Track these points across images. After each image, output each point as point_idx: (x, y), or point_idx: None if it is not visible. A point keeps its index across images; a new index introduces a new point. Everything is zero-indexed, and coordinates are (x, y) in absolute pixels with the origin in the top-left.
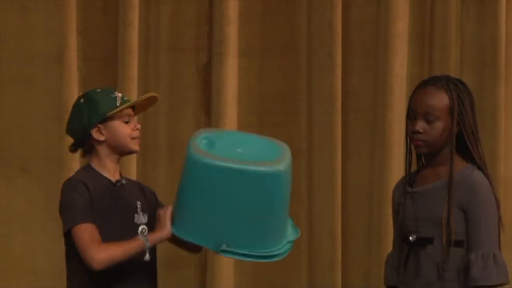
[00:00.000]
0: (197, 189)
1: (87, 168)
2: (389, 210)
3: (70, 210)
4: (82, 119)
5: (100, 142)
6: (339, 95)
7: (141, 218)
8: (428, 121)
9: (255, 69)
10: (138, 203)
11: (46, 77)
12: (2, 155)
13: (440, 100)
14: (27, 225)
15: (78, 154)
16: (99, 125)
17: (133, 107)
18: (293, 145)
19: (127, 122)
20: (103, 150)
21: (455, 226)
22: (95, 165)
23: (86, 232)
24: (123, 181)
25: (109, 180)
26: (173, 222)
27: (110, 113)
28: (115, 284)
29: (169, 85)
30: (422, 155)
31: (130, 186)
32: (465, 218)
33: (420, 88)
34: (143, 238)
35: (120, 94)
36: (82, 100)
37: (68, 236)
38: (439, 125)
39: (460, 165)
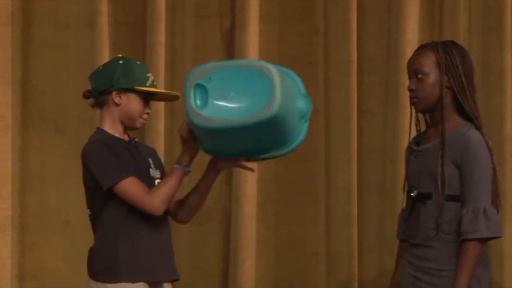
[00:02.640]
0: (207, 137)
1: (99, 132)
2: (401, 167)
3: (108, 168)
4: (112, 75)
5: (114, 104)
6: (354, 58)
7: (155, 173)
8: (418, 78)
9: (275, 34)
10: (150, 159)
11: (79, 42)
12: (37, 116)
13: (426, 57)
14: (61, 182)
15: None
16: (122, 91)
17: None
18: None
19: (143, 102)
20: (115, 114)
21: (448, 180)
22: (106, 128)
23: (134, 185)
24: (136, 139)
25: (122, 140)
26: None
27: (138, 87)
28: (139, 235)
29: (195, 49)
30: (428, 115)
31: (140, 145)
32: (460, 174)
33: (414, 52)
34: (178, 165)
35: (152, 77)
36: (120, 62)
37: (107, 192)
38: (428, 80)
39: (458, 123)
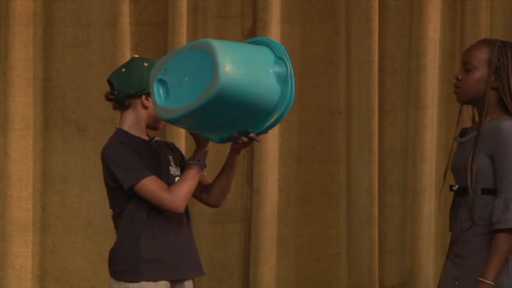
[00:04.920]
0: (191, 126)
1: (118, 133)
2: (422, 167)
3: (128, 167)
4: (142, 79)
5: (143, 107)
6: (376, 58)
7: (176, 170)
8: (466, 70)
9: (296, 34)
10: (170, 157)
11: (101, 42)
12: (59, 117)
13: (480, 52)
14: (83, 182)
15: None
16: (149, 96)
17: None
18: (332, 106)
19: None
20: (141, 116)
21: (483, 173)
22: (127, 128)
23: (154, 184)
24: (156, 138)
25: (143, 139)
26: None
27: None
28: (160, 233)
29: None
30: (474, 108)
31: (161, 143)
32: (493, 166)
33: (473, 43)
34: (195, 162)
35: None
36: (145, 64)
37: (129, 192)
38: (474, 74)
39: (498, 117)
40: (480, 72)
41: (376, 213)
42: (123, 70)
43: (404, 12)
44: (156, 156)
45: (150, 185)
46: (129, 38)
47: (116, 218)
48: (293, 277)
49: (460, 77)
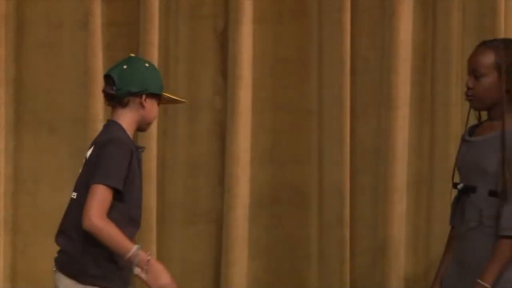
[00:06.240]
0: None
1: (120, 130)
2: (393, 167)
3: (111, 169)
4: (145, 79)
5: (141, 107)
6: (348, 59)
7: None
8: (476, 77)
9: (268, 34)
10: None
11: (72, 43)
12: (30, 116)
13: (486, 57)
14: (54, 182)
15: (102, 115)
16: (149, 95)
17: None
18: (304, 106)
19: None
20: (136, 116)
21: (494, 176)
22: (125, 127)
23: (107, 196)
24: (143, 149)
25: (135, 145)
26: None
27: (164, 93)
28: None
29: (189, 50)
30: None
31: (141, 155)
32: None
33: (476, 48)
34: (136, 251)
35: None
36: (147, 65)
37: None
38: (485, 81)
39: None
40: (491, 78)
41: (348, 213)
42: (125, 67)
43: (376, 12)
44: (140, 167)
45: (104, 194)
46: (101, 38)
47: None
48: (264, 278)
49: (471, 86)
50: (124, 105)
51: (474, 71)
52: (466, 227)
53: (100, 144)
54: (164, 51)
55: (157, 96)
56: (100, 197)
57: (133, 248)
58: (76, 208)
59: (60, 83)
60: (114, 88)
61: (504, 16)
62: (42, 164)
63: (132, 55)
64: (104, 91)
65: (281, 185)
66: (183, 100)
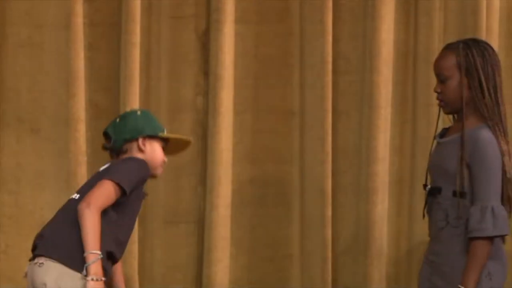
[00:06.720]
0: None
1: None
2: (375, 167)
3: (124, 172)
4: (136, 124)
5: (139, 151)
6: (329, 59)
7: None
8: (442, 81)
9: (250, 35)
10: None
11: (55, 42)
12: (12, 117)
13: (447, 60)
14: (36, 182)
15: (83, 116)
16: (146, 139)
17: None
18: (286, 106)
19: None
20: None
21: (462, 179)
22: None
23: (112, 193)
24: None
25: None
26: None
27: (161, 134)
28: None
29: (171, 50)
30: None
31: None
32: (469, 173)
33: (439, 52)
34: (98, 256)
35: (165, 129)
36: (138, 113)
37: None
38: (451, 84)
39: (476, 123)
40: (455, 79)
41: (330, 213)
42: (118, 120)
43: (358, 13)
44: (139, 206)
45: (111, 191)
46: (83, 38)
47: None
48: (246, 277)
49: (439, 90)
50: (123, 153)
51: (439, 76)
52: (435, 227)
53: (119, 160)
54: (145, 52)
55: (156, 139)
56: (105, 190)
57: (98, 252)
58: (75, 207)
59: (42, 83)
60: (111, 141)
61: (486, 16)
62: (24, 164)
63: (127, 110)
64: (103, 147)
65: (263, 185)
66: (188, 138)
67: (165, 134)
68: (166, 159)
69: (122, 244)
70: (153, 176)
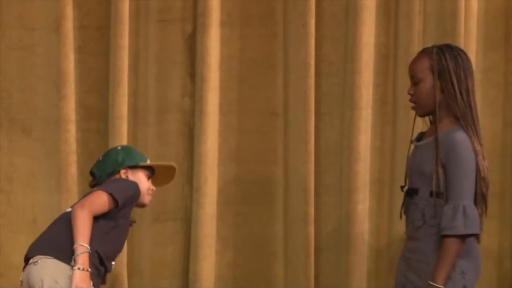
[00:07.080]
0: None
1: None
2: (356, 167)
3: (119, 185)
4: (117, 157)
5: None
6: (312, 62)
7: None
8: (415, 84)
9: (235, 38)
10: None
11: (46, 45)
12: (4, 118)
13: (421, 62)
14: (28, 181)
15: (74, 116)
16: (128, 169)
17: (153, 172)
18: (270, 108)
19: (147, 180)
20: None
21: (438, 180)
22: None
23: (105, 203)
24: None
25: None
26: None
27: (142, 163)
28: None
29: (158, 53)
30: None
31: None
32: (444, 173)
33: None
34: (86, 249)
35: (149, 160)
36: (119, 148)
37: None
38: (423, 86)
39: (450, 125)
40: (428, 82)
41: (312, 212)
42: (100, 159)
43: (340, 17)
44: (127, 230)
45: (105, 201)
46: (73, 41)
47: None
48: (232, 274)
49: (412, 92)
50: None
51: (412, 78)
52: (412, 226)
53: (109, 180)
54: (134, 54)
55: (139, 168)
56: (99, 198)
57: (86, 246)
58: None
59: (34, 85)
60: (96, 178)
61: (464, 19)
62: (16, 164)
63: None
64: (90, 185)
65: (248, 184)
66: (171, 164)
67: (147, 162)
68: (153, 187)
69: (108, 258)
70: (142, 205)
